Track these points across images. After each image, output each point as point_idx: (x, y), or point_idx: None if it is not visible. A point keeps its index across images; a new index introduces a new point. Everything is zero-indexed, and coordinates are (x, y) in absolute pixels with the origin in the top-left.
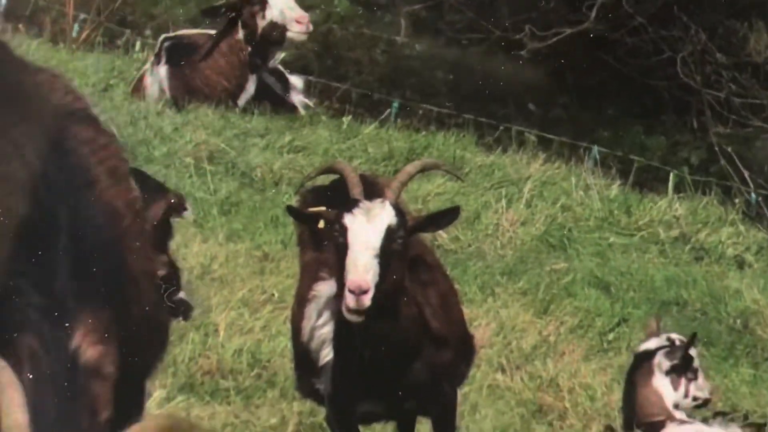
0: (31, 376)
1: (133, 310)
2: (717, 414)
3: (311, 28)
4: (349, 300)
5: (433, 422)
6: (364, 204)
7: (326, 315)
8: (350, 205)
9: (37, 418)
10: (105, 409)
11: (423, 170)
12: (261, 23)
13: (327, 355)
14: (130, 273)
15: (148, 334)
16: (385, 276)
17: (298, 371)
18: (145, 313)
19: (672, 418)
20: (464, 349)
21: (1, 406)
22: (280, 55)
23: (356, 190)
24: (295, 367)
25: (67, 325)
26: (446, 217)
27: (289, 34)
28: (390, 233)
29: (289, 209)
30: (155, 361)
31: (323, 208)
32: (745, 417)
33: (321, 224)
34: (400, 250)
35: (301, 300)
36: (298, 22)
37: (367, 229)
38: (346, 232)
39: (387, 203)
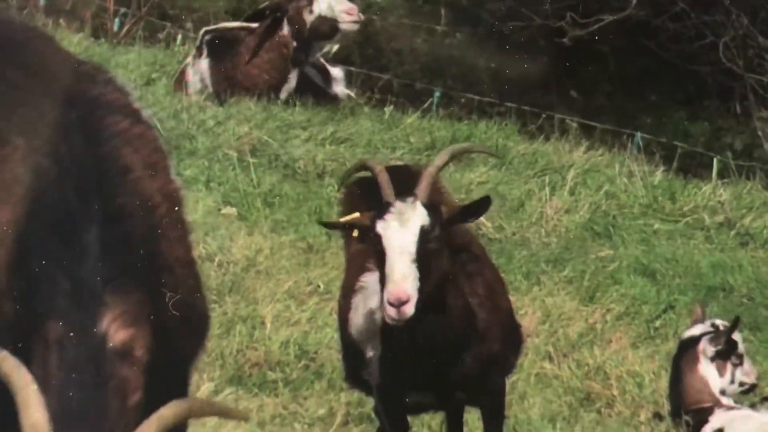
0: (58, 362)
1: (168, 297)
2: (765, 399)
3: (362, 17)
4: (391, 312)
5: (482, 412)
6: (396, 207)
7: (373, 306)
8: (382, 210)
9: (65, 403)
10: (135, 393)
11: (452, 158)
12: (309, 18)
13: (375, 346)
14: (164, 260)
15: (185, 322)
16: (427, 277)
17: (345, 362)
18: (181, 300)
19: (719, 404)
20: (512, 338)
21: (20, 406)
22: (334, 48)
23: (387, 192)
24: (343, 358)
25: (95, 309)
26: (479, 208)
27: (341, 26)
28: (424, 234)
29: (322, 223)
30: (195, 349)
31: (357, 215)
32: None
33: (355, 233)
34: (438, 248)
35: (348, 291)
36: (348, 13)
37: (400, 233)
38: (381, 240)
39: (418, 203)
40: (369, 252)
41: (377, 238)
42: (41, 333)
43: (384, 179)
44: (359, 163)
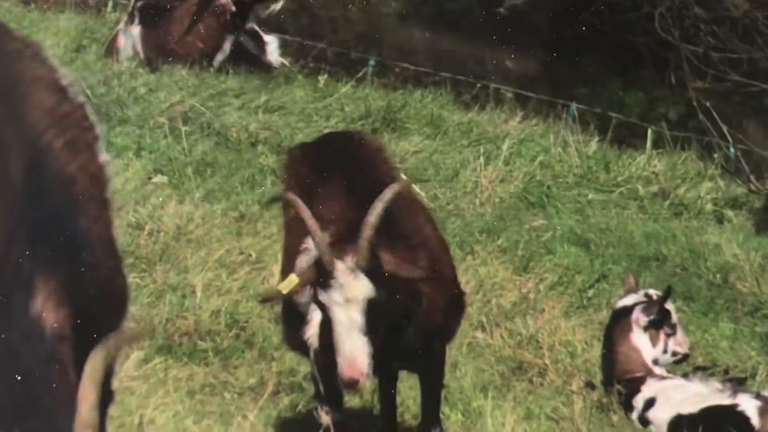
0: None
1: (88, 276)
2: (697, 369)
3: None
4: (346, 384)
5: (421, 379)
6: (338, 280)
7: None
8: (324, 277)
9: (13, 389)
10: (73, 373)
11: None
12: None
13: (315, 310)
14: (84, 239)
15: (106, 299)
16: (376, 330)
17: (285, 324)
18: (101, 278)
19: (652, 374)
20: (456, 307)
21: None
22: (278, 5)
23: (324, 253)
24: (283, 320)
25: (27, 291)
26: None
27: None
28: (371, 305)
29: (263, 299)
30: (116, 324)
31: (295, 279)
32: (726, 371)
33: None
34: (385, 303)
35: (292, 254)
36: None
37: (346, 310)
38: (326, 310)
39: (360, 277)
40: (315, 212)
41: (322, 306)
42: None
43: (315, 230)
44: (280, 195)
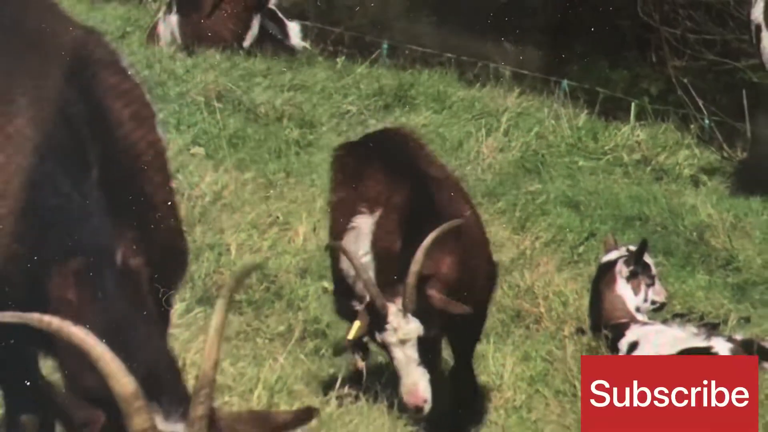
0: (90, 292)
1: (155, 234)
2: (676, 315)
3: None
4: (412, 411)
5: (457, 342)
6: (391, 323)
7: (365, 246)
8: (379, 321)
9: (113, 322)
10: (155, 309)
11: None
12: None
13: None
14: (151, 202)
15: (169, 253)
16: (436, 358)
17: (337, 294)
18: (166, 238)
19: (635, 320)
20: (489, 280)
21: (105, 375)
22: None
23: (375, 296)
24: (335, 291)
25: (110, 243)
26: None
27: None
28: (423, 341)
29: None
30: (179, 275)
31: (360, 326)
32: (701, 318)
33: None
34: (437, 332)
35: (340, 231)
36: None
37: (401, 349)
38: (385, 347)
39: (410, 319)
40: (362, 192)
41: (381, 345)
42: (62, 269)
43: (368, 279)
44: (333, 246)
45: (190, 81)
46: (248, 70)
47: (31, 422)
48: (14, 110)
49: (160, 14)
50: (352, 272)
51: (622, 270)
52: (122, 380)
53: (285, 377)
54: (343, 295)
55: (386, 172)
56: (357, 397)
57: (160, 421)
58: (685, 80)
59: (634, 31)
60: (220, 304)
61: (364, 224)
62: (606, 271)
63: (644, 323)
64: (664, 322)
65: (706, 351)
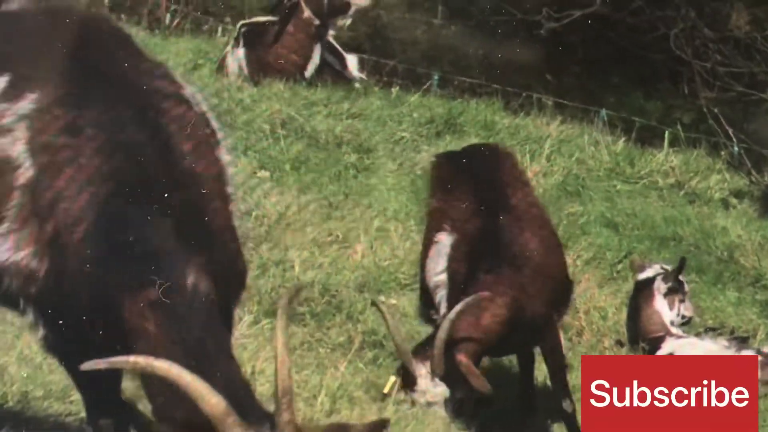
0: (167, 318)
1: (218, 257)
2: (708, 329)
3: None
4: None
5: (544, 355)
6: (420, 387)
7: (442, 264)
8: (411, 384)
9: (188, 346)
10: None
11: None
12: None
13: (441, 297)
14: (214, 226)
15: (230, 274)
16: (463, 407)
17: (421, 301)
18: (227, 259)
19: (670, 333)
20: (562, 296)
21: (196, 398)
22: (347, 22)
23: (411, 368)
24: (420, 297)
25: (182, 268)
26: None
27: (353, 1)
28: (450, 401)
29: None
30: (238, 293)
31: (394, 381)
32: (731, 332)
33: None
34: (462, 393)
35: (427, 243)
36: None
37: (430, 406)
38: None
39: (437, 384)
40: (450, 208)
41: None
42: (137, 299)
43: (400, 341)
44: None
45: (256, 110)
46: (309, 100)
47: (110, 426)
48: (84, 142)
49: (228, 47)
50: (431, 285)
51: (660, 286)
52: (212, 400)
53: (346, 385)
54: (426, 303)
55: (472, 194)
56: (413, 403)
57: None
58: (716, 110)
59: (667, 64)
60: (280, 320)
61: (445, 242)
62: (644, 288)
63: (678, 336)
64: (697, 335)
65: None
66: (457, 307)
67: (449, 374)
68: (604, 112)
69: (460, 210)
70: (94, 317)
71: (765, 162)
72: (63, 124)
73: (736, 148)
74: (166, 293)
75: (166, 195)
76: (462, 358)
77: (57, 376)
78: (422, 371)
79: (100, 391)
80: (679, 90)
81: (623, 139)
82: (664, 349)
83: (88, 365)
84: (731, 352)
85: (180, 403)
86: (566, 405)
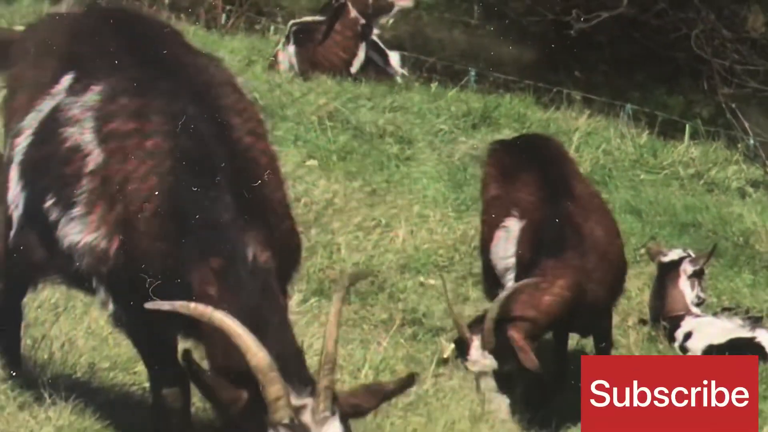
0: (230, 285)
1: (274, 232)
2: (724, 309)
3: None
4: None
5: (594, 339)
6: (471, 355)
7: (512, 249)
8: (464, 353)
9: (249, 311)
10: (281, 298)
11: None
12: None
13: (510, 280)
14: (270, 204)
15: (286, 249)
16: (510, 381)
17: (485, 280)
18: (282, 235)
19: (690, 313)
20: (618, 282)
21: (242, 350)
22: (390, 20)
23: (466, 336)
24: (484, 277)
25: (243, 241)
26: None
27: (397, 3)
28: (500, 371)
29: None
30: (294, 268)
31: (451, 348)
32: (746, 312)
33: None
34: (510, 369)
35: (492, 227)
36: None
37: (480, 378)
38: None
39: (486, 356)
40: (515, 197)
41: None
42: (202, 268)
43: (460, 322)
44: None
45: (306, 103)
46: (355, 94)
47: (173, 395)
48: (149, 127)
49: (280, 45)
50: (499, 266)
51: (686, 268)
52: (258, 354)
53: (387, 359)
54: (490, 282)
55: (538, 182)
56: (450, 377)
57: (292, 397)
58: (733, 105)
59: (688, 62)
60: (337, 296)
61: (514, 228)
62: (670, 269)
63: (697, 315)
64: (714, 314)
65: (751, 341)
66: (508, 289)
67: (501, 348)
68: (629, 106)
69: (527, 197)
70: (164, 288)
71: None
72: (129, 112)
73: (752, 141)
74: (228, 262)
75: (226, 174)
76: (513, 333)
77: (122, 349)
78: (475, 343)
79: (165, 362)
80: (699, 86)
81: (647, 132)
82: (684, 327)
83: (152, 305)
84: (746, 331)
85: (232, 355)
86: None
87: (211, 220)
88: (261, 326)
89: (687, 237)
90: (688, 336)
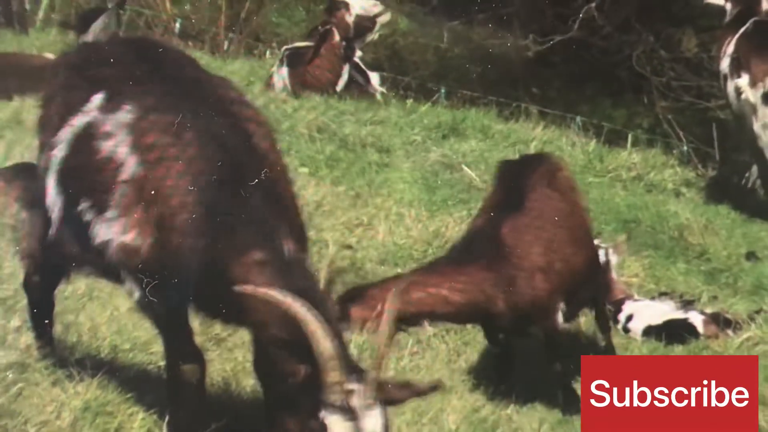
0: (270, 276)
1: (292, 225)
2: (661, 294)
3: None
4: None
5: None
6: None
7: None
8: None
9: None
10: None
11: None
12: (350, 20)
13: None
14: (287, 201)
15: (301, 242)
16: None
17: None
18: (298, 228)
19: (630, 297)
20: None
21: (311, 337)
22: (375, 36)
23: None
24: None
25: (279, 236)
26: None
27: (378, 19)
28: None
29: None
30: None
31: None
32: (681, 296)
33: None
34: None
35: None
36: (375, 8)
37: None
38: None
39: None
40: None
41: None
42: (244, 260)
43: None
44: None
45: (297, 118)
46: (340, 109)
47: (191, 371)
48: (184, 139)
49: (275, 67)
50: None
51: (612, 258)
52: (326, 343)
53: (369, 342)
54: None
55: (499, 196)
56: (423, 356)
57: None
58: (669, 116)
59: (630, 79)
60: (390, 299)
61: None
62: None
63: (636, 299)
64: (652, 299)
65: (685, 321)
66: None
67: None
68: (579, 118)
69: (485, 207)
70: (202, 280)
71: (709, 159)
72: (162, 127)
73: (685, 148)
74: (269, 254)
75: (253, 176)
76: (355, 311)
77: (140, 332)
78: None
79: (183, 341)
80: (640, 100)
81: (594, 140)
82: (626, 311)
83: (241, 288)
84: (680, 313)
85: (283, 337)
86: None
87: (246, 217)
88: (313, 308)
89: (629, 232)
90: (629, 318)
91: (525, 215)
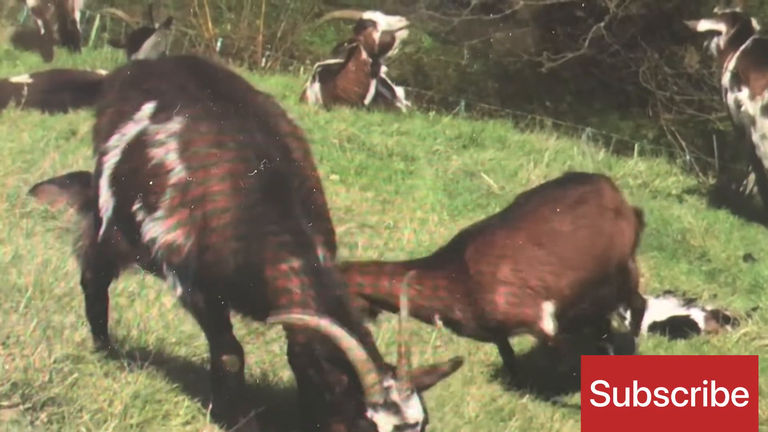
0: (308, 282)
1: (325, 233)
2: (666, 292)
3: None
4: None
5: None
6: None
7: None
8: None
9: (327, 301)
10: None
11: None
12: (377, 36)
13: None
14: (320, 210)
15: (333, 250)
16: None
17: None
18: (330, 236)
19: None
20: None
21: (344, 349)
22: (396, 51)
23: None
24: None
25: (314, 245)
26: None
27: (397, 34)
28: None
29: None
30: None
31: None
32: (683, 294)
33: None
34: None
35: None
36: (399, 22)
37: None
38: None
39: None
40: None
41: None
42: (281, 267)
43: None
44: None
45: (329, 129)
46: (368, 121)
47: (231, 361)
48: (226, 149)
49: (308, 83)
50: None
51: None
52: (357, 351)
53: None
54: None
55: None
56: (446, 348)
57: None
58: (673, 128)
59: (637, 93)
60: (404, 299)
61: None
62: None
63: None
64: (657, 297)
65: (687, 317)
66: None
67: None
68: (589, 130)
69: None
70: (237, 280)
71: (709, 167)
72: (208, 137)
73: (688, 157)
74: (306, 261)
75: (292, 186)
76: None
77: (185, 327)
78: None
79: (223, 334)
80: (645, 113)
81: (603, 150)
82: None
83: (273, 319)
84: (683, 310)
85: (318, 348)
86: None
87: (284, 225)
88: (344, 315)
89: None
90: None
91: (504, 232)
